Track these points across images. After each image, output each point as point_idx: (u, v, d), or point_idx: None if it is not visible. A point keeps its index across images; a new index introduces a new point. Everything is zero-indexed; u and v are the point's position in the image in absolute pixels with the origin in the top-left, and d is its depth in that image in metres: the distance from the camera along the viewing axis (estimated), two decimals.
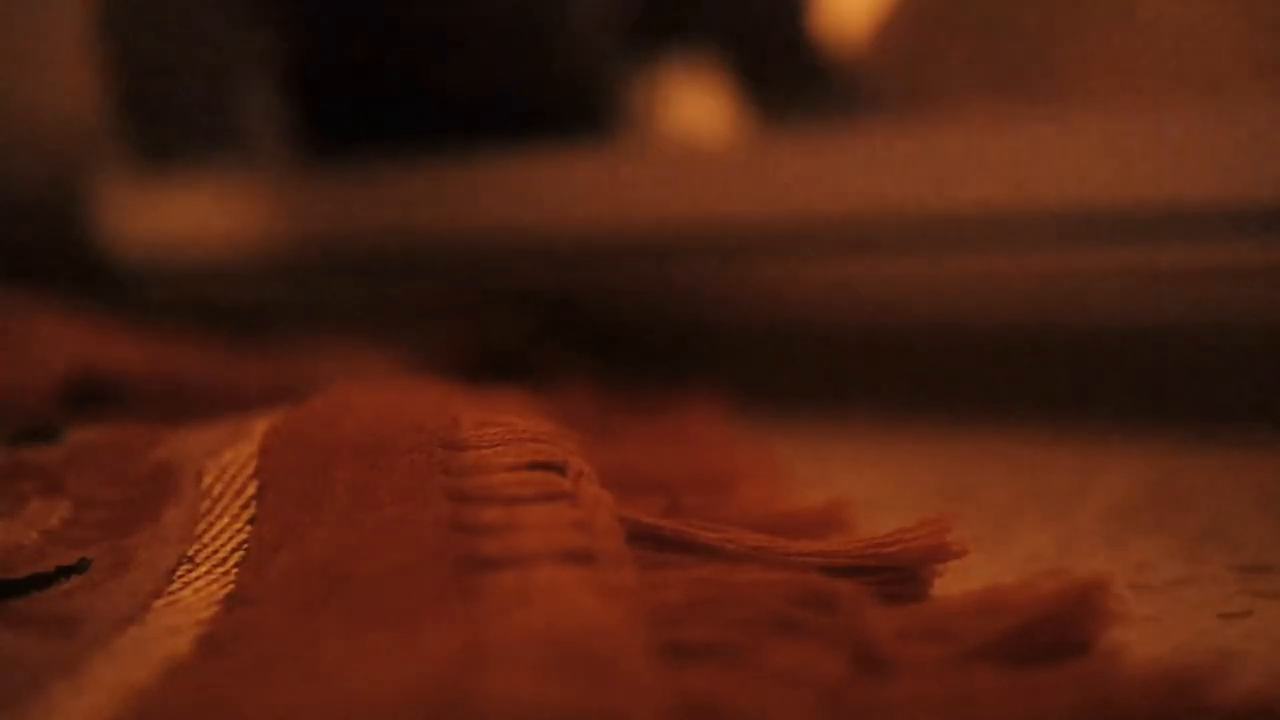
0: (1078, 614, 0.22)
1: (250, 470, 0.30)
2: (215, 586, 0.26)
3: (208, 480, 0.31)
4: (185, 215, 0.75)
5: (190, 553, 0.28)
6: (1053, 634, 0.22)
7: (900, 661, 0.22)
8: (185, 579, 0.27)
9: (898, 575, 0.26)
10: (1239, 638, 0.27)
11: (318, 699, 0.20)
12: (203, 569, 0.27)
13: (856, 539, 0.28)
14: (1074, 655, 0.22)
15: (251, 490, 0.30)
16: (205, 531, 0.29)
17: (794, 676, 0.21)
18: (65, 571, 0.28)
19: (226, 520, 0.29)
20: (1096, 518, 0.37)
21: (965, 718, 0.20)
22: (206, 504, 0.30)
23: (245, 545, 0.28)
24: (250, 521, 0.29)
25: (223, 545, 0.28)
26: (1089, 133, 0.49)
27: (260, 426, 0.32)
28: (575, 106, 0.68)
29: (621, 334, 0.58)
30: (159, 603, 0.26)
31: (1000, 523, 0.36)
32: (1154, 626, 0.27)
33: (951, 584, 0.27)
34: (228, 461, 0.31)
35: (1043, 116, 0.51)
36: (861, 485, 0.41)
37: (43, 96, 0.78)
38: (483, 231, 0.62)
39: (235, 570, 0.27)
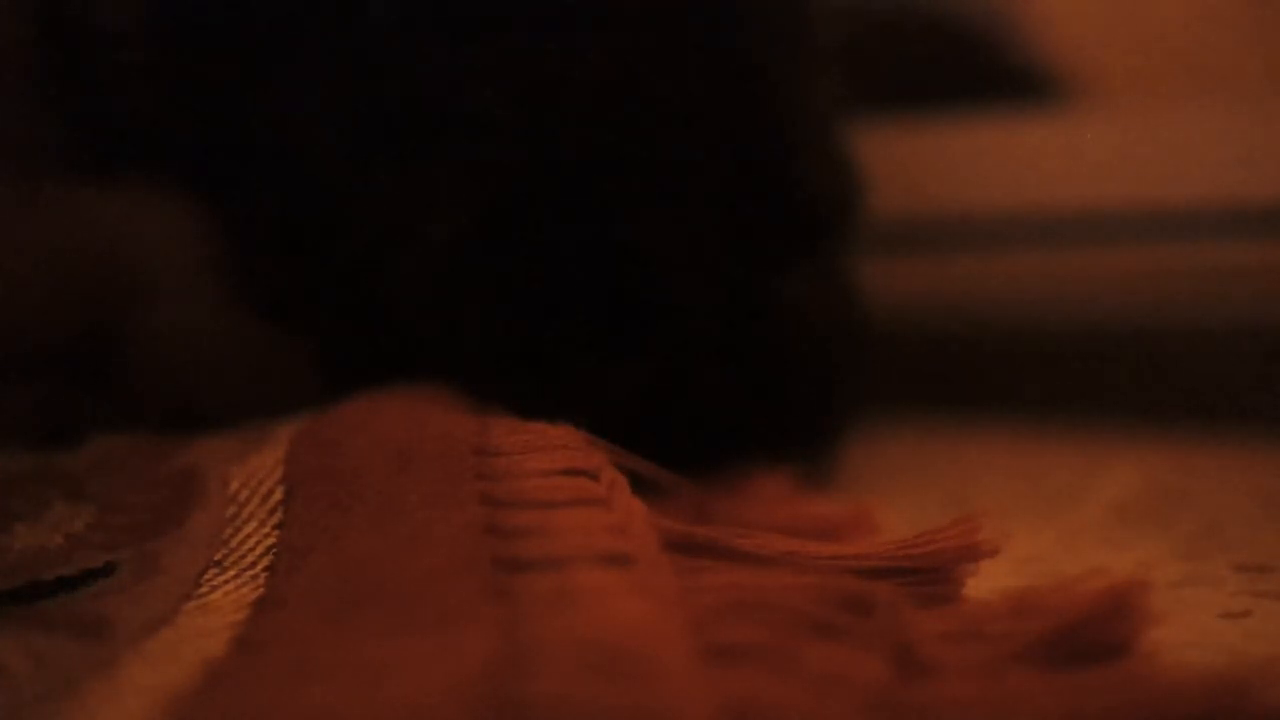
0: (1116, 616, 0.22)
1: (277, 476, 0.30)
2: (245, 590, 0.27)
3: (234, 486, 0.31)
4: None
5: (218, 557, 0.28)
6: (1092, 636, 0.22)
7: (940, 663, 0.22)
8: (213, 583, 0.27)
9: (930, 576, 0.26)
10: (1239, 638, 0.27)
11: (360, 701, 0.20)
12: (231, 573, 0.28)
13: (886, 541, 0.28)
14: (1114, 657, 0.22)
15: (279, 495, 0.30)
16: (233, 536, 0.29)
17: (836, 678, 0.21)
18: (92, 575, 0.28)
19: (254, 525, 0.29)
20: (1096, 518, 0.37)
21: None
22: (233, 509, 0.30)
23: (273, 549, 0.28)
24: (278, 526, 0.29)
25: (251, 549, 0.28)
26: (1091, 133, 0.50)
27: (286, 433, 0.32)
28: None
29: None
30: (189, 606, 0.27)
31: (1000, 523, 0.37)
32: (1154, 626, 0.28)
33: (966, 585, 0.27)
34: (254, 467, 0.31)
35: (1047, 117, 0.52)
36: (864, 485, 0.42)
37: None
38: None
39: (264, 574, 0.27)
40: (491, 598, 0.23)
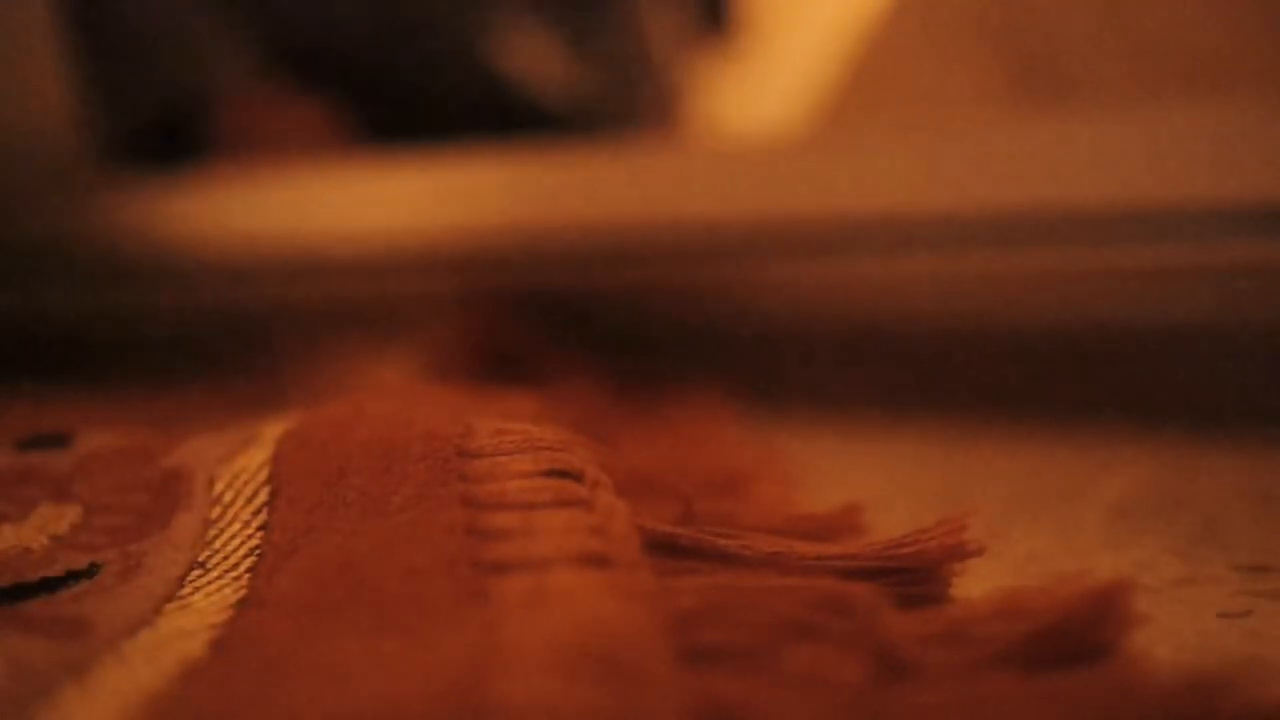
0: (1100, 618, 0.22)
1: (263, 476, 0.30)
2: (227, 591, 0.26)
3: (219, 486, 0.31)
4: (182, 215, 0.76)
5: (201, 558, 0.28)
6: (1075, 638, 0.22)
7: (920, 666, 0.21)
8: (196, 584, 0.27)
9: (916, 576, 0.26)
10: (1239, 638, 0.27)
11: (335, 702, 0.20)
12: (214, 574, 0.27)
13: (872, 541, 0.28)
14: (1097, 659, 0.22)
15: (263, 496, 0.30)
16: (217, 537, 0.29)
17: (814, 681, 0.20)
18: (75, 576, 0.28)
19: (238, 526, 0.29)
20: (1096, 518, 0.37)
21: None
22: (218, 510, 0.30)
23: (257, 550, 0.28)
24: (262, 527, 0.29)
25: (234, 551, 0.28)
26: (1091, 133, 0.49)
27: (272, 433, 0.32)
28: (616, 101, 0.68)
29: (632, 334, 0.58)
30: (170, 607, 0.26)
31: (1000, 523, 0.36)
32: (1154, 626, 0.27)
33: (954, 585, 0.27)
34: (239, 468, 0.31)
35: (1048, 117, 0.52)
36: (864, 485, 0.41)
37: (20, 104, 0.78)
38: (496, 230, 0.62)
39: (247, 575, 0.27)
40: (469, 599, 0.23)
